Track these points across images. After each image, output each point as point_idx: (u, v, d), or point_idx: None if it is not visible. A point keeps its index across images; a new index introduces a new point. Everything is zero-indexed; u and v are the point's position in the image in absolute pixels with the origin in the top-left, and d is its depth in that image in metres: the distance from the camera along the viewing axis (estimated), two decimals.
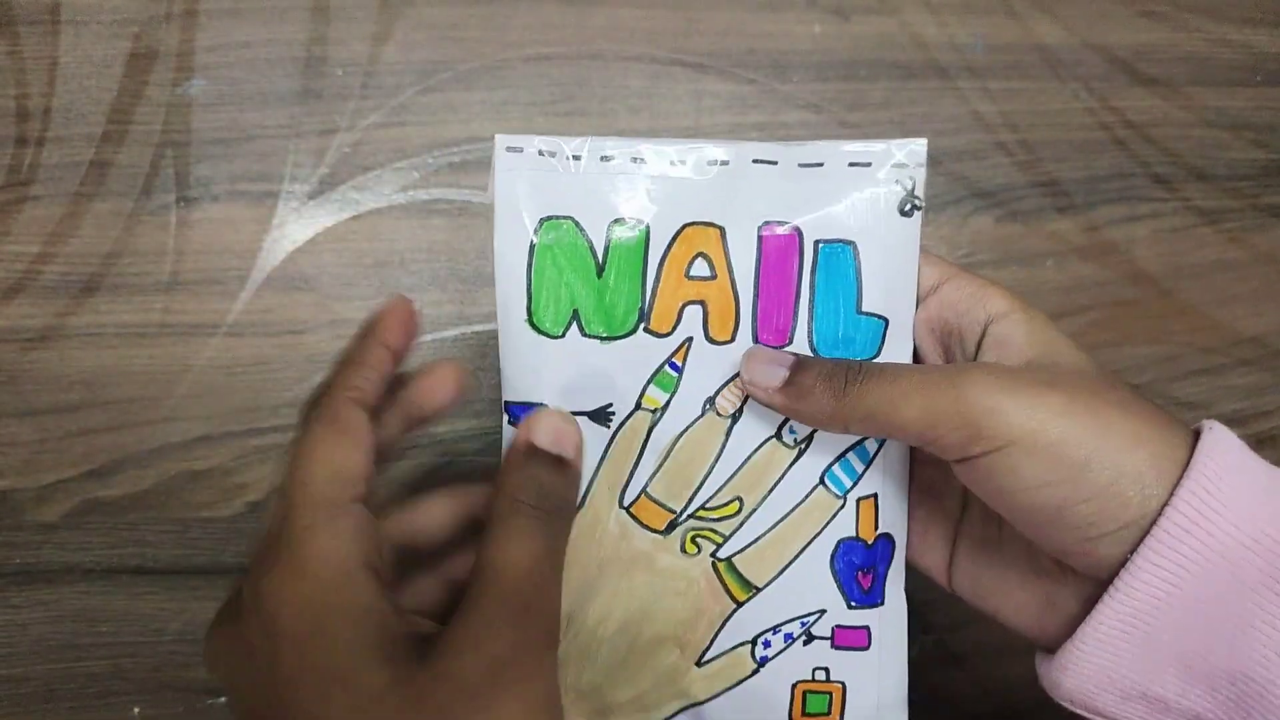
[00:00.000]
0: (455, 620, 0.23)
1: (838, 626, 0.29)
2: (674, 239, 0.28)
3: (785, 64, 0.42)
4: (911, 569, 0.31)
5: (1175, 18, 0.44)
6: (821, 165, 0.28)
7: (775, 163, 0.28)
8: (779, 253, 0.28)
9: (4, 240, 0.39)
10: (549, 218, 0.27)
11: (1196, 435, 0.24)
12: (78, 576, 0.37)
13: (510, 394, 0.28)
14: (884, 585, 0.30)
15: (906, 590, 0.30)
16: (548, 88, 0.41)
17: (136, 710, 0.37)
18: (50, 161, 0.39)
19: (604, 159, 0.27)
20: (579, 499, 0.28)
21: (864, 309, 0.28)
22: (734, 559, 0.29)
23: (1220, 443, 0.24)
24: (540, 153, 0.27)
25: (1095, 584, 0.25)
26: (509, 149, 0.27)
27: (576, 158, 0.27)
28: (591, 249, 0.28)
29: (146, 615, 0.37)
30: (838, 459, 0.29)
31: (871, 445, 0.29)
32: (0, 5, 0.40)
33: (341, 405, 0.25)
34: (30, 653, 0.37)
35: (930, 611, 0.36)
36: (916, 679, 0.40)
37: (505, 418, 0.28)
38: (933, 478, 0.31)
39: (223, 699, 0.37)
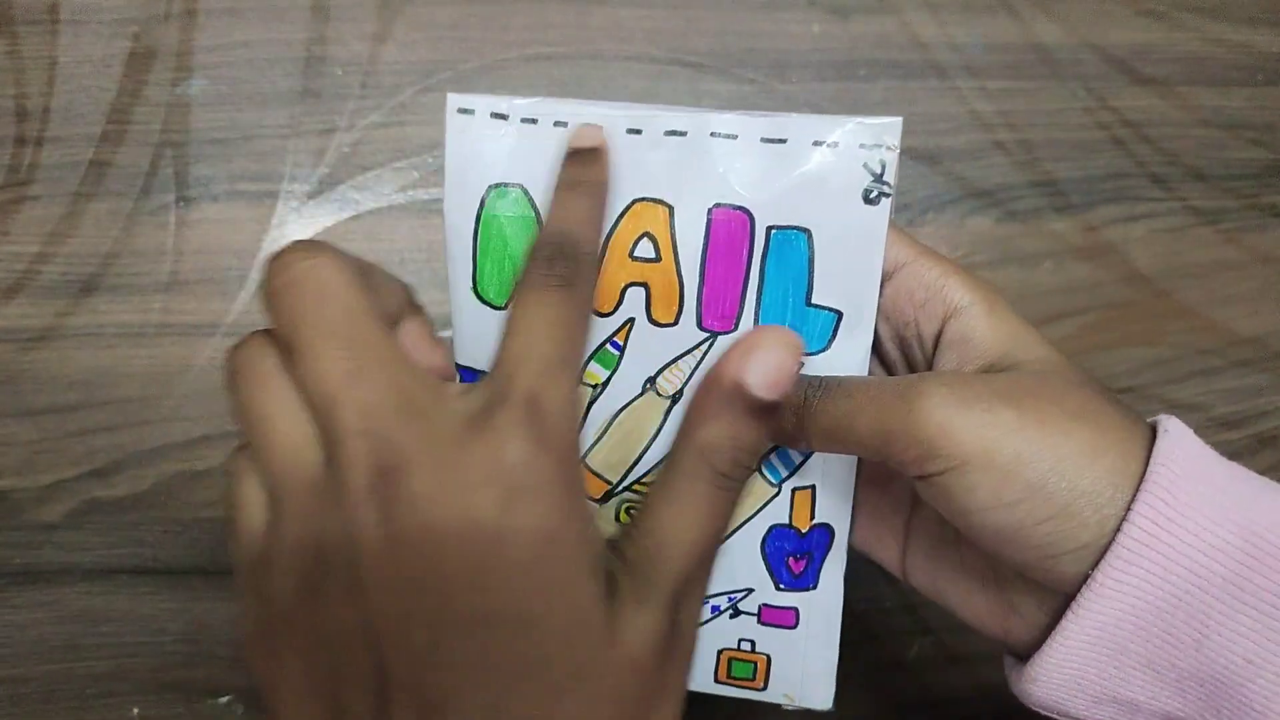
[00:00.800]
0: (627, 580, 0.22)
1: (765, 605, 0.30)
2: (622, 216, 0.26)
3: (784, 63, 0.42)
4: (871, 561, 0.31)
5: (1174, 17, 0.44)
6: (784, 141, 0.26)
7: (736, 136, 0.26)
8: (728, 236, 0.26)
9: (3, 240, 0.39)
10: (498, 184, 0.27)
11: (1155, 434, 0.24)
12: (78, 577, 0.37)
13: (462, 358, 0.28)
14: (819, 571, 0.30)
15: (904, 591, 0.30)
16: (547, 87, 0.41)
17: (136, 710, 0.37)
18: (49, 161, 0.39)
19: (557, 124, 0.26)
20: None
21: (814, 301, 0.27)
22: None
23: (1176, 448, 0.23)
24: (493, 115, 0.26)
25: (1056, 594, 0.25)
26: (460, 110, 0.26)
27: (530, 120, 0.26)
28: (539, 219, 0.26)
29: (147, 615, 0.37)
30: (775, 448, 0.29)
31: None
32: (0, 5, 0.40)
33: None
34: (30, 653, 0.37)
35: (930, 613, 0.36)
36: (914, 679, 0.40)
37: (458, 378, 0.28)
38: (883, 471, 0.30)
39: (223, 699, 0.37)
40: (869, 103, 0.42)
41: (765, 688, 0.30)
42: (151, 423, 0.38)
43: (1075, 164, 0.43)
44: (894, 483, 0.31)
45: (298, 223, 0.40)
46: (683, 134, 0.26)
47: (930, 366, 0.28)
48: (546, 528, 0.20)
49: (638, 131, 0.26)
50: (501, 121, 0.26)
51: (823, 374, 0.27)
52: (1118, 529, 0.23)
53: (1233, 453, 0.41)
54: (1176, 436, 0.24)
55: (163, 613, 0.37)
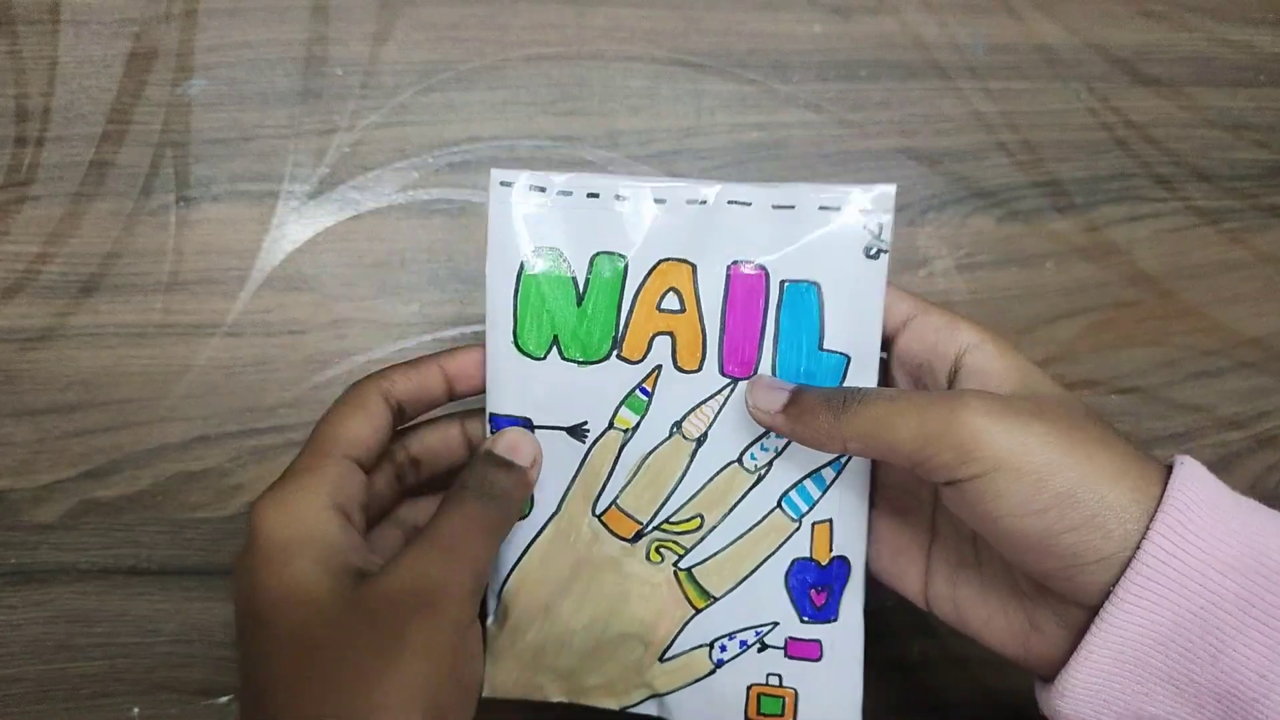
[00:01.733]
0: (396, 555, 0.27)
1: (790, 638, 0.31)
2: (649, 273, 0.30)
3: (786, 64, 0.42)
4: (893, 592, 0.32)
5: (1176, 17, 0.44)
6: (793, 208, 0.29)
7: (750, 204, 0.29)
8: (746, 290, 0.30)
9: (3, 240, 0.39)
10: (537, 248, 0.30)
11: (1169, 470, 0.25)
12: (74, 577, 0.37)
13: (495, 406, 0.31)
14: (839, 603, 0.32)
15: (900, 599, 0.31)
16: (548, 87, 0.41)
17: (136, 710, 0.37)
18: (50, 161, 0.39)
19: (590, 195, 0.30)
20: (530, 502, 0.32)
21: (826, 346, 0.30)
22: (694, 569, 0.32)
23: (1192, 477, 0.25)
24: (530, 187, 0.30)
25: (1076, 607, 0.26)
26: (502, 183, 0.30)
27: (565, 193, 0.30)
28: (574, 279, 0.30)
29: (142, 616, 0.37)
30: (795, 485, 0.31)
31: (829, 473, 0.31)
32: (0, 5, 0.40)
33: (367, 388, 0.30)
34: (25, 653, 0.37)
35: (934, 615, 0.36)
36: (915, 680, 0.39)
37: (489, 427, 0.31)
38: (901, 503, 0.32)
39: (222, 699, 0.37)
40: (870, 103, 0.42)
41: None
42: (150, 423, 0.38)
43: (1078, 164, 0.43)
44: (913, 513, 0.32)
45: (298, 223, 0.40)
46: (702, 202, 0.29)
47: None
48: None
49: (662, 201, 0.30)
50: (540, 194, 0.30)
51: None
52: (1139, 544, 0.24)
53: (1235, 453, 0.41)
54: (1192, 468, 0.25)
55: (158, 613, 0.37)
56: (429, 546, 0.27)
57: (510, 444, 0.30)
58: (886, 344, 0.30)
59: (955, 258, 0.42)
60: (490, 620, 0.33)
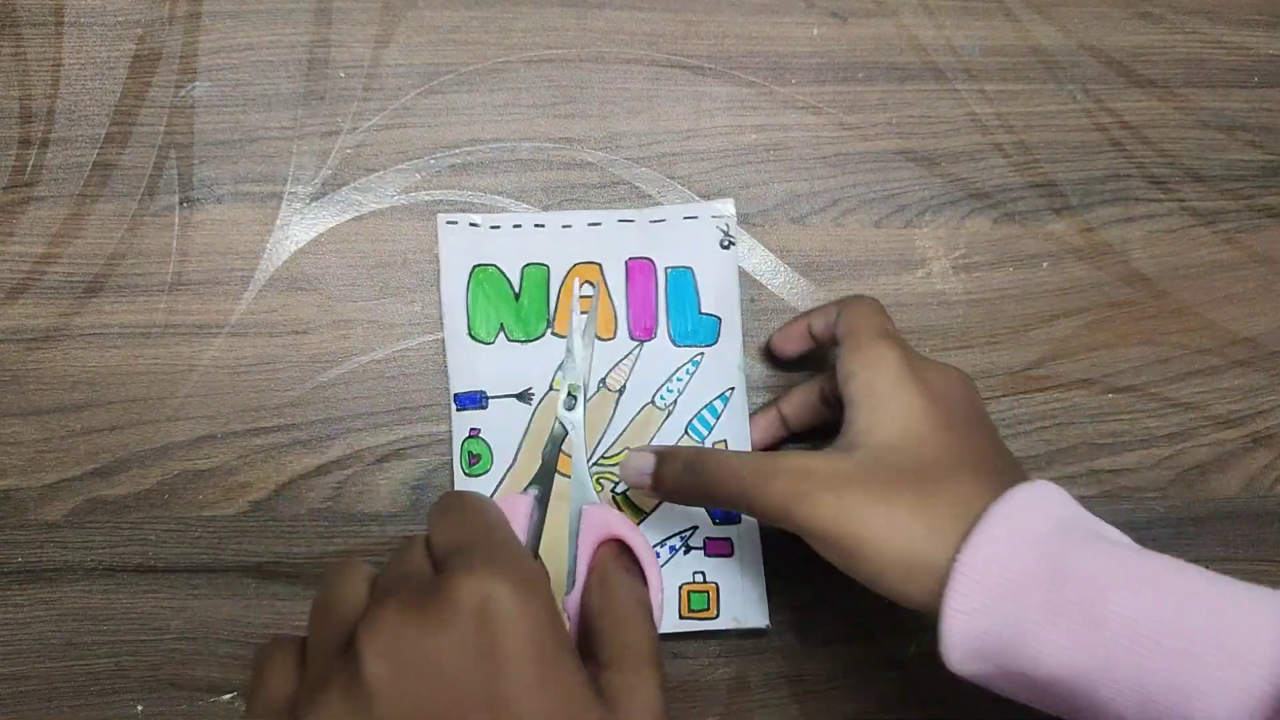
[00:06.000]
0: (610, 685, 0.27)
1: (708, 538, 0.39)
2: (568, 273, 0.40)
3: (784, 66, 0.43)
4: None
5: (1172, 19, 0.45)
6: (665, 220, 0.41)
7: (634, 221, 0.41)
8: (641, 276, 0.40)
9: (8, 241, 0.39)
10: (479, 265, 0.40)
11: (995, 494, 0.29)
12: (80, 575, 0.37)
13: (457, 386, 0.39)
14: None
15: None
16: (549, 90, 0.42)
17: (140, 708, 0.37)
18: (54, 162, 0.40)
19: (515, 226, 0.40)
20: (489, 459, 0.39)
21: (703, 310, 0.40)
22: (628, 492, 0.39)
23: (993, 527, 0.28)
24: (469, 224, 0.40)
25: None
26: (448, 222, 0.40)
27: (495, 227, 0.40)
28: (509, 283, 0.40)
29: (148, 614, 0.37)
30: (696, 414, 0.40)
31: (719, 404, 0.40)
32: (4, 7, 0.40)
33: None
34: (32, 651, 0.37)
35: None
36: (912, 677, 0.40)
37: (454, 406, 0.39)
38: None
39: (225, 696, 0.37)
40: (867, 105, 0.43)
41: (717, 615, 0.38)
42: (155, 422, 0.38)
43: (1073, 165, 0.43)
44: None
45: (301, 224, 0.40)
46: (598, 224, 0.41)
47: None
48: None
49: (569, 226, 0.40)
50: (475, 229, 0.40)
51: (716, 364, 0.40)
52: (949, 568, 0.27)
53: (1230, 452, 0.42)
54: (996, 518, 0.28)
55: (164, 611, 0.37)
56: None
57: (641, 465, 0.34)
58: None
59: (952, 258, 0.42)
60: None
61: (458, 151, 0.41)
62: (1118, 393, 0.42)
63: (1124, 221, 0.43)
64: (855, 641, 0.39)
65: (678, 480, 0.33)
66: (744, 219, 0.42)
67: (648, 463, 0.34)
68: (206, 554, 0.38)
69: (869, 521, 0.29)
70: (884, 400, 0.31)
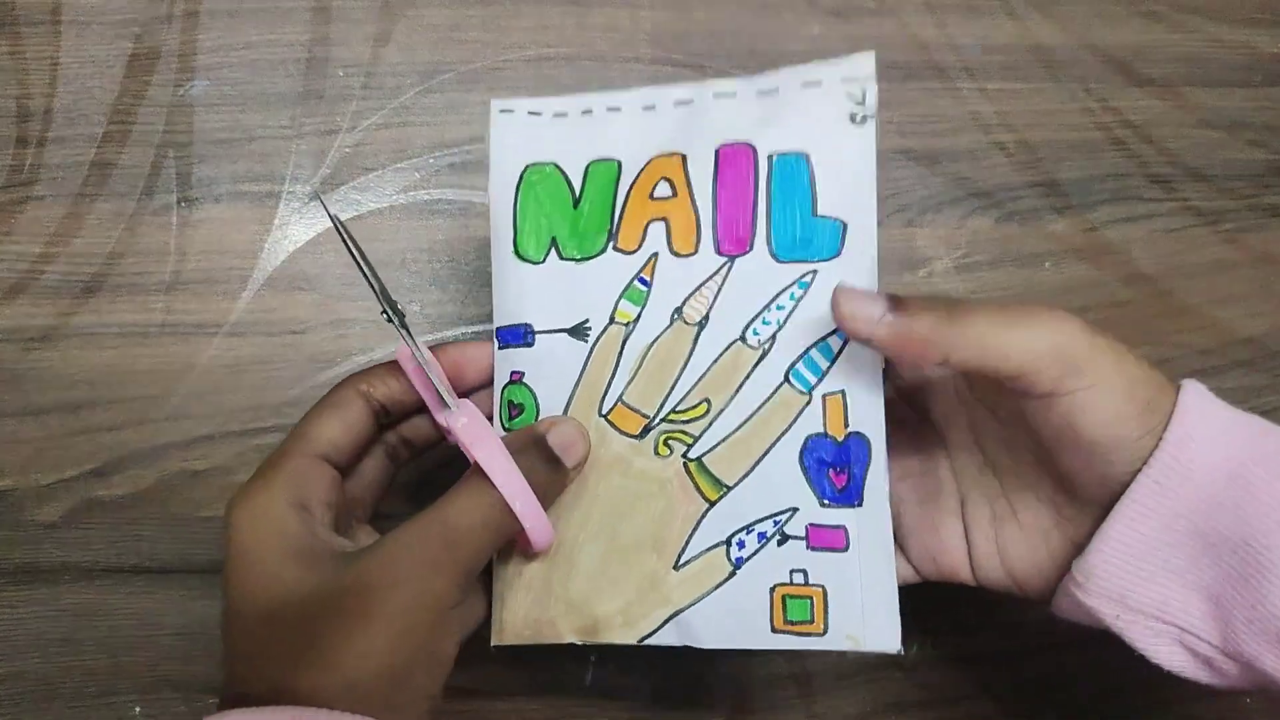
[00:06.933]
0: (385, 536, 0.28)
1: (811, 525, 0.29)
2: (641, 170, 0.31)
3: (785, 64, 0.42)
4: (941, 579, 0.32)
5: (1173, 18, 0.45)
6: (777, 90, 0.30)
7: (734, 94, 0.30)
8: (734, 168, 0.30)
9: (6, 240, 0.39)
10: (534, 164, 0.31)
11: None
12: (78, 575, 0.37)
13: (501, 319, 0.32)
14: (862, 486, 0.30)
15: (902, 591, 0.30)
16: (548, 88, 0.41)
17: (138, 710, 0.37)
18: (52, 161, 0.39)
19: (585, 113, 0.31)
20: (535, 412, 0.31)
21: (820, 212, 0.30)
22: (704, 458, 0.30)
23: (1198, 384, 0.28)
24: (529, 113, 0.32)
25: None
26: (502, 110, 0.32)
27: (560, 115, 0.32)
28: (570, 185, 0.31)
29: (146, 613, 0.37)
30: (801, 356, 0.30)
31: (835, 342, 0.30)
32: (2, 6, 0.40)
33: (345, 389, 0.31)
34: (30, 650, 0.37)
35: (929, 612, 0.36)
36: (913, 679, 0.40)
37: (496, 343, 0.32)
38: (924, 484, 0.33)
39: None
40: None
41: (826, 631, 0.29)
42: (153, 422, 0.38)
43: (1075, 164, 0.43)
44: (937, 488, 0.32)
45: (300, 224, 0.40)
46: (689, 101, 0.31)
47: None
48: None
49: (651, 107, 0.31)
50: (536, 118, 0.31)
51: (838, 279, 0.29)
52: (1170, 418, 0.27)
53: None
54: (1194, 382, 0.28)
55: (162, 611, 0.37)
56: (426, 532, 0.27)
57: (566, 440, 0.29)
58: None
59: (953, 258, 0.42)
60: (493, 558, 0.31)
61: (457, 150, 0.41)
62: None
63: (1126, 221, 0.43)
64: None
65: (930, 316, 0.27)
66: None
67: (878, 298, 0.28)
68: (205, 554, 0.38)
69: (1145, 378, 0.27)
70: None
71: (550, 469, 0.29)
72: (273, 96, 0.40)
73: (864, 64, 0.30)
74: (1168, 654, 0.28)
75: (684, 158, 0.30)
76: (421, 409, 0.32)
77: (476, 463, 0.28)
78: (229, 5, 0.41)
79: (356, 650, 0.26)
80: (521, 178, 0.31)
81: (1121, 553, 0.27)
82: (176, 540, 0.38)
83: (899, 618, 0.29)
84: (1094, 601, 0.28)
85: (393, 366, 0.31)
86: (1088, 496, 0.29)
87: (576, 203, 0.31)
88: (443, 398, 0.30)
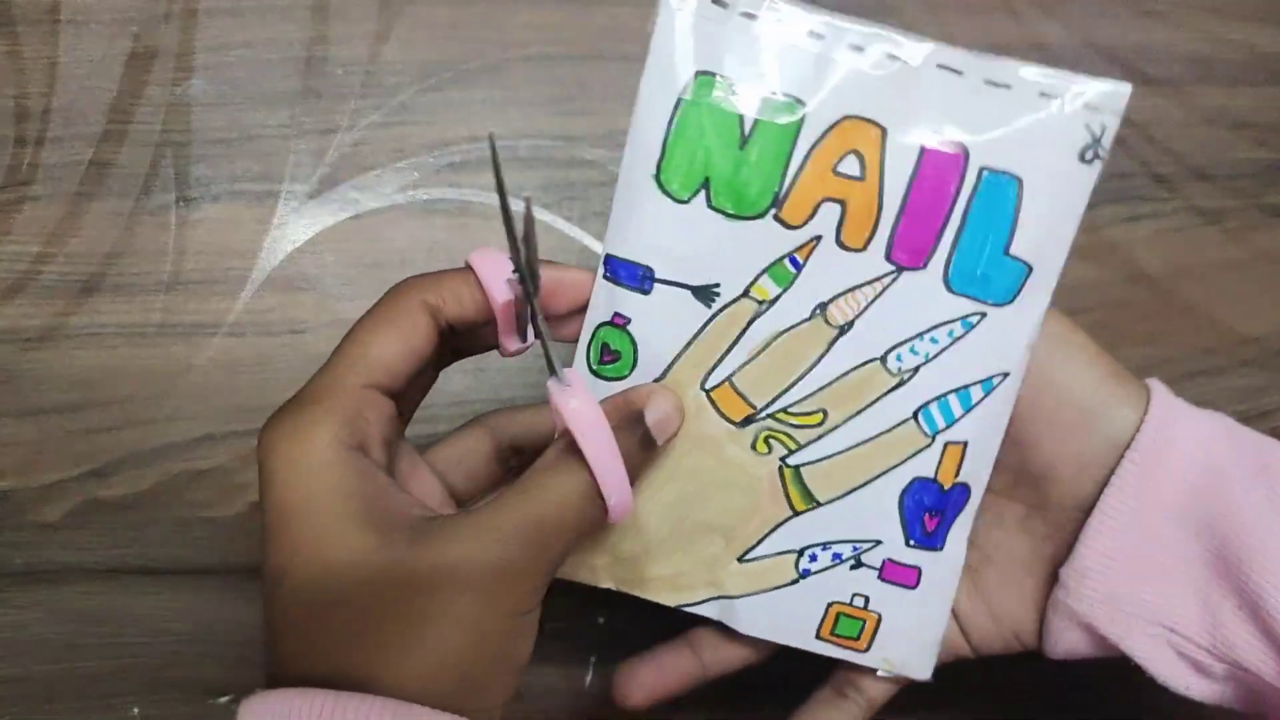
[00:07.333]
0: (470, 513, 0.23)
1: (889, 560, 0.29)
2: (829, 129, 0.25)
3: None
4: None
5: (1176, 17, 0.44)
6: (1009, 88, 0.25)
7: (961, 73, 0.25)
8: (939, 170, 0.26)
9: (4, 240, 0.39)
10: (704, 73, 0.25)
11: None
12: (79, 576, 0.37)
13: (615, 248, 0.27)
14: (948, 531, 0.29)
15: None
16: (548, 87, 0.41)
17: (136, 710, 0.37)
18: (50, 161, 0.39)
19: (779, 22, 0.25)
20: (631, 360, 0.28)
21: (1012, 251, 0.26)
22: (802, 469, 0.29)
23: (1159, 383, 0.29)
24: (713, 1, 0.25)
25: None
26: None
27: (749, 15, 0.25)
28: (741, 117, 0.25)
29: (148, 615, 0.37)
30: (938, 398, 0.28)
31: (978, 392, 0.28)
32: (0, 5, 0.40)
33: (406, 298, 0.25)
34: (31, 652, 0.37)
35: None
36: (917, 681, 0.40)
37: (602, 270, 0.27)
38: (1019, 551, 0.31)
39: (224, 698, 0.37)
40: None
41: (867, 650, 0.29)
42: (152, 422, 0.38)
43: None
44: (1036, 553, 0.31)
45: (298, 223, 0.40)
46: (898, 59, 0.25)
47: None
48: None
49: (860, 49, 0.25)
50: (721, 9, 0.25)
51: (996, 335, 0.27)
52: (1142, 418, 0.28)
53: None
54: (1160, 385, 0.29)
55: (164, 612, 0.37)
56: (516, 524, 0.23)
57: (664, 417, 0.26)
58: None
59: None
60: None
61: (456, 149, 0.41)
62: None
63: (1129, 220, 0.43)
64: None
65: None
66: None
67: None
68: (206, 555, 0.38)
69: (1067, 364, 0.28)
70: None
71: (643, 449, 0.26)
72: (271, 95, 0.40)
73: (1116, 96, 0.25)
74: (1160, 660, 0.28)
75: (884, 133, 0.25)
76: (488, 322, 0.26)
77: (569, 442, 0.25)
78: (227, 4, 0.41)
79: (431, 646, 0.22)
80: (686, 88, 0.25)
81: (1110, 547, 0.27)
82: (180, 541, 0.38)
83: (938, 650, 0.30)
84: (1085, 607, 0.28)
85: (464, 275, 0.26)
86: (1063, 497, 0.28)
87: (744, 142, 0.25)
88: (519, 327, 0.26)
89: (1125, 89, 0.25)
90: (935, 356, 0.27)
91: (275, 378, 0.39)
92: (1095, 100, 0.25)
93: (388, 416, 0.25)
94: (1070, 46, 0.43)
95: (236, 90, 0.40)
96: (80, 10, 0.40)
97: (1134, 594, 0.28)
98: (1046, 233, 0.26)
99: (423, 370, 0.26)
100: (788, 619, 0.30)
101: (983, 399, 0.28)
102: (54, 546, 0.37)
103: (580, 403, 0.24)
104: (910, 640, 0.30)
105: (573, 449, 0.24)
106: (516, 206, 0.21)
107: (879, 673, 0.30)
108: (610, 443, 0.24)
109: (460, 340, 0.27)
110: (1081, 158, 0.26)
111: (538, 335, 0.24)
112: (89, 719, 0.37)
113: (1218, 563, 0.27)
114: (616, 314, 0.27)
